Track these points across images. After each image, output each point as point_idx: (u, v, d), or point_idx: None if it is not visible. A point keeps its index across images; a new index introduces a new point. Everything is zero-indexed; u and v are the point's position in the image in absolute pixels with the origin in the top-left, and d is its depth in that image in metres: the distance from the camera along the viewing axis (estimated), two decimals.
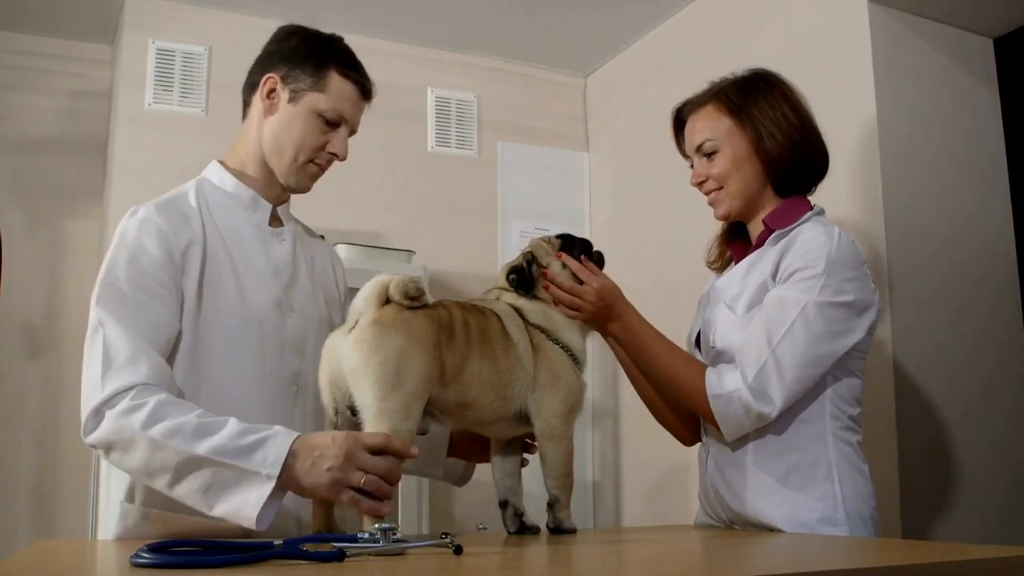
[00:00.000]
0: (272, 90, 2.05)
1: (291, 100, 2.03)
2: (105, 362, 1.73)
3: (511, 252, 4.46)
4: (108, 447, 1.72)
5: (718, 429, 2.00)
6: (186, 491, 1.65)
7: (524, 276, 1.92)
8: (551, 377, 1.77)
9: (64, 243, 4.28)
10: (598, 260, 2.04)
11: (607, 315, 1.99)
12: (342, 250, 3.83)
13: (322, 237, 2.35)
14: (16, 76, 4.36)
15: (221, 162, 2.11)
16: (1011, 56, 3.40)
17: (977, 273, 3.18)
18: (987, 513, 3.03)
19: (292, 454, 1.59)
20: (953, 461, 3.03)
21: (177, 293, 1.88)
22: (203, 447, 1.62)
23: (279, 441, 1.61)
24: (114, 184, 3.93)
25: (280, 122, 2.04)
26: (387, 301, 1.70)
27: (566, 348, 1.82)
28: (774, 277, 2.04)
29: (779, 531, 1.98)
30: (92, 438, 1.73)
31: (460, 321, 1.74)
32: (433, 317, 1.70)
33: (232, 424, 1.65)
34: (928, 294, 3.06)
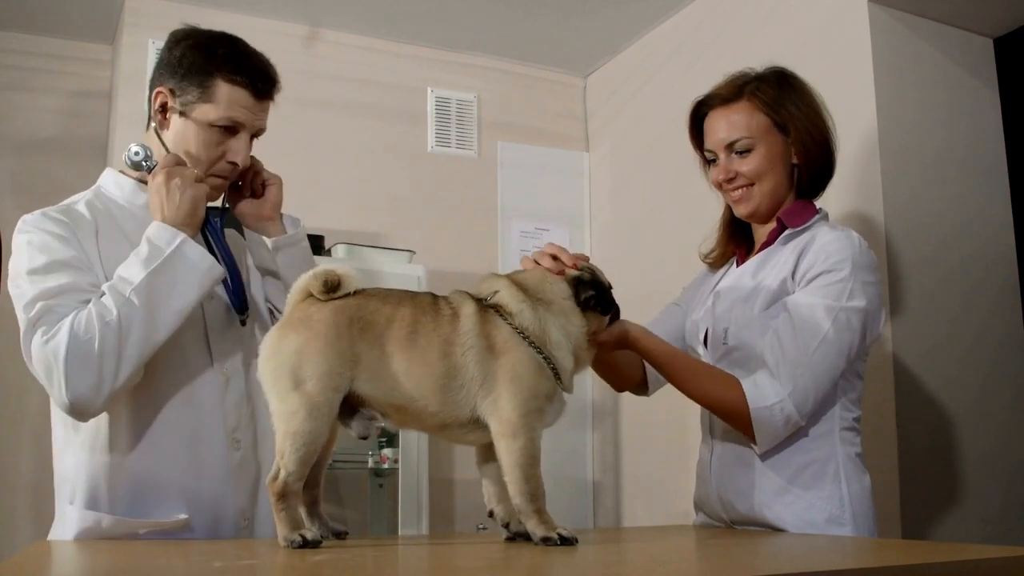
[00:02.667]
0: (164, 104, 2.02)
1: (182, 114, 1.99)
2: (46, 326, 1.79)
3: (511, 252, 4.46)
4: (106, 363, 1.77)
5: (749, 435, 1.98)
6: (167, 312, 1.83)
7: (607, 296, 1.78)
8: (511, 379, 1.62)
9: None
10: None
11: (625, 346, 1.98)
12: (341, 250, 3.84)
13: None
14: (17, 76, 4.36)
15: (121, 171, 2.09)
16: (1011, 56, 3.40)
17: (977, 272, 3.19)
18: (987, 513, 3.03)
19: (166, 218, 1.88)
20: (953, 460, 3.03)
21: (90, 270, 1.89)
22: (135, 277, 1.81)
23: (152, 228, 1.87)
24: None
25: (175, 136, 2.01)
26: (310, 294, 1.67)
27: (549, 360, 1.66)
28: (793, 276, 2.04)
29: (780, 531, 1.98)
30: (88, 377, 1.78)
31: (381, 313, 1.64)
32: (344, 308, 1.63)
33: (121, 266, 1.85)
34: (928, 293, 3.06)
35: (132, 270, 1.82)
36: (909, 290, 3.03)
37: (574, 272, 1.75)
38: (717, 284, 2.27)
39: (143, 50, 4.06)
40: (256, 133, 2.06)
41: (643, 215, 4.33)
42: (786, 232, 2.13)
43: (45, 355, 1.77)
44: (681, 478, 3.77)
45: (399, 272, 3.81)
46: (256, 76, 2.01)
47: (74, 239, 1.90)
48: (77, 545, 1.78)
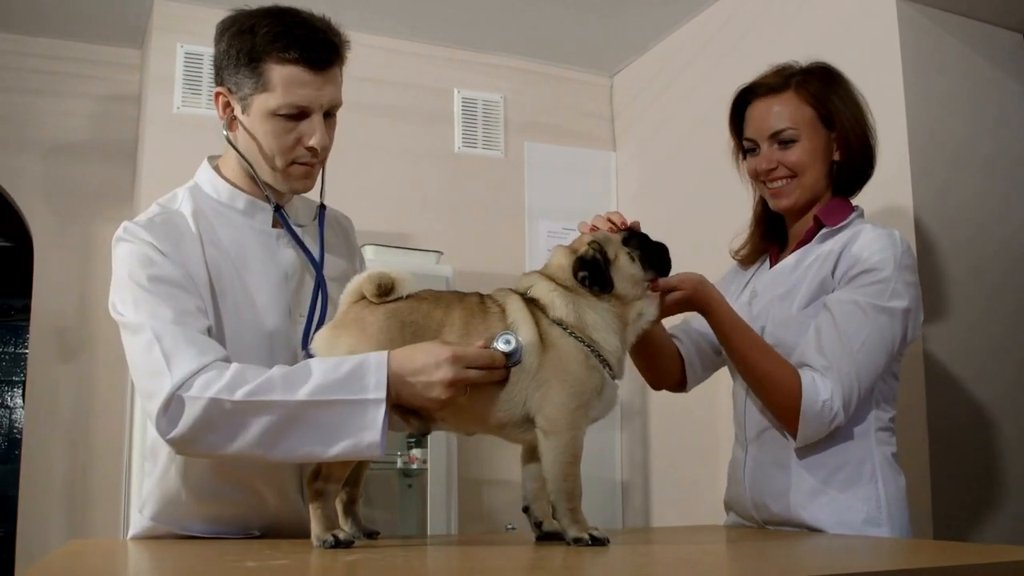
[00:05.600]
0: (226, 105, 1.88)
1: (244, 111, 1.84)
2: (163, 355, 1.63)
3: (538, 252, 4.46)
4: (198, 433, 1.59)
5: (790, 425, 1.96)
6: (293, 445, 1.57)
7: (601, 274, 1.69)
8: (560, 373, 1.61)
9: (94, 246, 4.32)
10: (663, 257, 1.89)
11: (699, 305, 1.99)
12: (370, 251, 3.84)
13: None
14: (46, 81, 4.40)
15: (216, 168, 1.97)
16: None
17: (1006, 265, 3.17)
18: (1020, 511, 3.01)
19: (394, 373, 1.56)
20: (985, 457, 3.00)
21: (197, 293, 1.77)
22: (302, 392, 1.57)
23: (373, 362, 1.58)
24: (143, 186, 3.96)
25: (244, 135, 1.86)
26: (363, 296, 1.67)
27: (594, 348, 1.65)
28: (833, 275, 2.03)
29: (815, 531, 1.96)
30: (177, 431, 1.59)
31: (433, 318, 1.65)
32: (396, 312, 1.64)
33: (316, 363, 1.60)
34: (957, 287, 3.05)
35: (311, 382, 1.58)
36: (939, 284, 3.01)
37: (581, 249, 1.72)
38: (750, 281, 2.26)
39: (172, 54, 4.08)
40: (331, 109, 1.87)
41: (670, 214, 4.31)
42: (823, 230, 2.11)
43: (160, 389, 1.61)
44: (711, 478, 3.75)
45: (427, 273, 3.81)
46: (308, 47, 1.79)
47: (176, 252, 1.79)
48: (110, 544, 1.79)
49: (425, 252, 4.05)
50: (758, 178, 2.19)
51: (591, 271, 1.69)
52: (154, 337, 1.65)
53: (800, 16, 3.58)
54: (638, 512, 4.44)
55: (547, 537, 1.68)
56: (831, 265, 2.03)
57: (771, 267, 2.22)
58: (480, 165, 4.62)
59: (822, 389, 1.92)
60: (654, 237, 1.88)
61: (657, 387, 2.31)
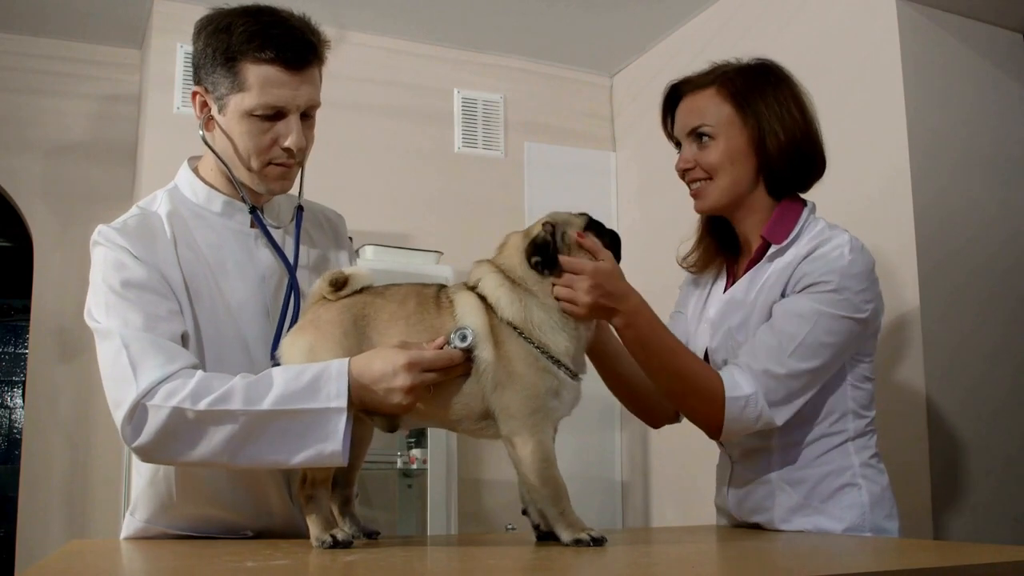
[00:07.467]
0: (203, 104, 1.86)
1: (220, 111, 1.81)
2: (129, 363, 1.62)
3: None
4: (161, 442, 1.59)
5: (711, 425, 1.90)
6: (257, 453, 1.58)
7: (549, 254, 1.66)
8: (512, 375, 1.58)
9: None
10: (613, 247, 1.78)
11: (609, 305, 1.74)
12: (370, 252, 3.84)
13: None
14: (47, 81, 4.41)
15: (195, 169, 1.95)
16: None
17: (1006, 265, 3.18)
18: (1019, 511, 3.01)
19: (355, 381, 1.57)
20: (984, 457, 3.00)
21: (171, 296, 1.76)
22: (265, 402, 1.57)
23: (334, 370, 1.58)
24: (143, 186, 3.96)
25: (220, 135, 1.84)
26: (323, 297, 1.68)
27: (544, 349, 1.61)
28: (783, 297, 1.96)
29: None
30: (141, 440, 1.59)
31: (386, 310, 1.65)
32: (350, 307, 1.65)
33: (279, 372, 1.61)
34: (957, 287, 3.05)
35: (273, 392, 1.58)
36: (938, 284, 3.01)
37: (535, 231, 1.69)
38: (707, 302, 2.17)
39: (171, 54, 4.09)
40: (308, 110, 1.84)
41: (670, 214, 4.30)
42: (772, 249, 2.01)
43: (126, 398, 1.61)
44: (711, 478, 3.74)
45: (427, 273, 3.81)
46: (284, 47, 1.77)
47: (149, 255, 1.77)
48: (111, 545, 1.79)
49: (425, 252, 4.05)
50: (681, 178, 2.10)
51: (543, 255, 1.66)
52: (122, 344, 1.65)
53: (800, 16, 3.58)
54: (638, 513, 4.44)
55: (547, 537, 1.67)
56: (779, 290, 1.96)
57: (725, 290, 2.13)
58: (480, 165, 4.62)
59: (743, 384, 1.87)
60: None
61: (656, 425, 2.24)
